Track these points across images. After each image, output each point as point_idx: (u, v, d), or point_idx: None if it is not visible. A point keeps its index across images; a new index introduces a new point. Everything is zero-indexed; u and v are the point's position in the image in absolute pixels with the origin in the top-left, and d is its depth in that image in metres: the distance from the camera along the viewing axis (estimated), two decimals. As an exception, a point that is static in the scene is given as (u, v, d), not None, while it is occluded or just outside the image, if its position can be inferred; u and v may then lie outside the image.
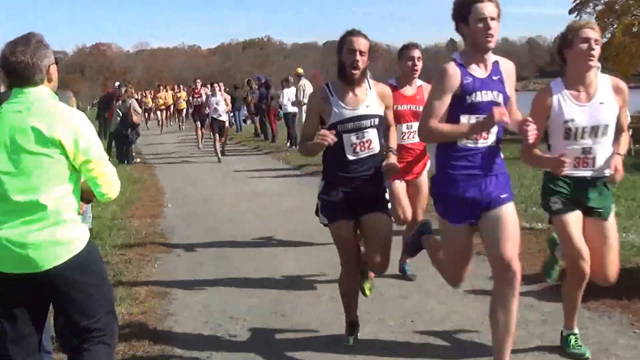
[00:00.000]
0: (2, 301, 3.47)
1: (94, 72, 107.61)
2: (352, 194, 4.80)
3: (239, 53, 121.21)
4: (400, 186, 6.36)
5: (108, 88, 31.36)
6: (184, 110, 32.11)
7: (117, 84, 25.67)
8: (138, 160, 18.79)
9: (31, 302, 3.48)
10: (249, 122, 28.91)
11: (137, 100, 29.53)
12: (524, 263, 6.89)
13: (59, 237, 3.35)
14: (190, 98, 24.64)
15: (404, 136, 6.25)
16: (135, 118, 17.86)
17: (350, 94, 4.75)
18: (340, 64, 4.75)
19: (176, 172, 16.02)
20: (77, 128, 3.39)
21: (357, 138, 4.72)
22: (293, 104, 19.74)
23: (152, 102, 35.16)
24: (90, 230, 7.29)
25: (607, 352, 4.79)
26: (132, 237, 8.84)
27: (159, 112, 33.14)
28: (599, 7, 37.04)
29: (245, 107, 27.45)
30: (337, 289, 6.36)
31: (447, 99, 4.15)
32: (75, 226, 3.46)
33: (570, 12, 38.75)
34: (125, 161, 17.83)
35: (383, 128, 4.94)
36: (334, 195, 4.83)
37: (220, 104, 18.25)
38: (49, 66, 3.48)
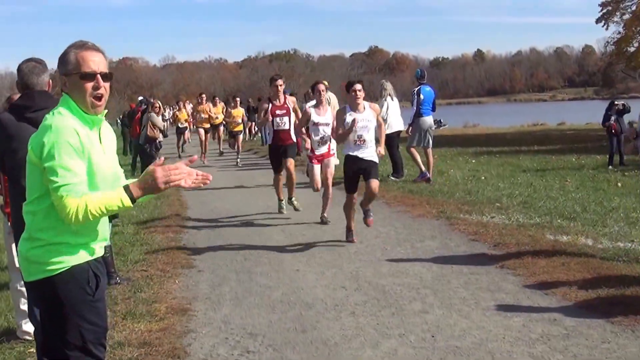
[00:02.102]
0: None
1: (121, 87, 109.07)
2: None
3: (265, 66, 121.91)
4: None
5: (133, 103, 30.62)
6: (241, 137, 22.67)
7: (140, 98, 25.55)
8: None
9: None
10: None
11: (171, 117, 28.57)
12: (547, 276, 6.84)
13: (30, 254, 3.28)
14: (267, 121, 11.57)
15: None
16: (150, 132, 17.84)
17: None
18: None
19: (201, 186, 15.91)
20: (45, 142, 3.17)
21: None
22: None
23: (191, 118, 26.46)
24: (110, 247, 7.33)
25: (631, 368, 4.69)
26: (153, 252, 8.81)
27: (201, 131, 23.05)
28: (627, 17, 36.84)
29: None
30: (358, 304, 6.35)
31: None
32: (49, 248, 3.27)
33: (597, 21, 38.59)
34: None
35: None
36: None
37: (372, 122, 8.91)
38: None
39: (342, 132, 8.73)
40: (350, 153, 8.82)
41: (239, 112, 23.22)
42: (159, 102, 20.26)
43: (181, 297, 6.86)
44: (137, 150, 18.86)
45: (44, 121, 3.26)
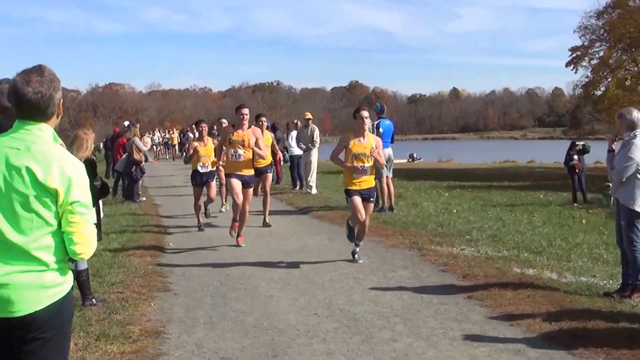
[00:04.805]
0: None
1: (106, 111, 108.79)
2: None
3: (249, 96, 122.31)
4: None
5: (118, 127, 30.37)
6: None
7: (126, 123, 25.57)
8: (144, 198, 18.91)
9: None
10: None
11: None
12: (513, 308, 7.02)
13: (45, 280, 3.15)
14: None
15: None
16: (136, 155, 18.15)
17: None
18: None
19: (181, 211, 15.98)
20: (71, 176, 3.17)
21: None
22: (300, 147, 20.01)
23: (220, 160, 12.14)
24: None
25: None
26: (130, 274, 8.88)
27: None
28: (594, 62, 38.03)
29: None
30: (329, 330, 6.49)
31: None
32: (62, 271, 3.24)
33: (567, 65, 39.56)
34: (131, 199, 18.02)
35: None
36: None
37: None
38: (60, 100, 3.28)
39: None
40: None
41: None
42: (137, 128, 20.47)
43: (155, 319, 6.95)
44: (119, 174, 19.07)
45: (60, 159, 3.21)
